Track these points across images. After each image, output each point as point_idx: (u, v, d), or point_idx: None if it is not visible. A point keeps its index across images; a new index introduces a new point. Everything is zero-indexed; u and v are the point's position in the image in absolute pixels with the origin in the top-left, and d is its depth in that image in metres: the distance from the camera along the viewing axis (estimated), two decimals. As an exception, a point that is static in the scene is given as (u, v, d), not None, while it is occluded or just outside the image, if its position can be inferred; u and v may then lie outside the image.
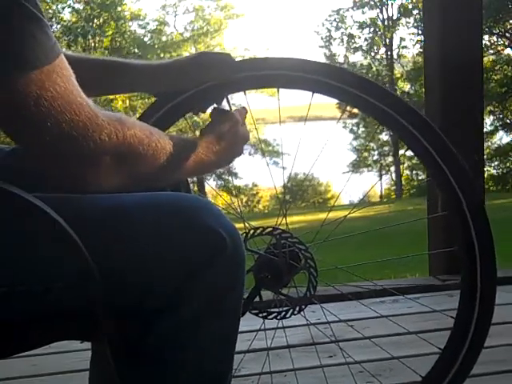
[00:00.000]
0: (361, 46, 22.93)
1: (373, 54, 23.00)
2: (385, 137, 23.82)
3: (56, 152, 0.79)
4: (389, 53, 22.70)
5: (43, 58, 0.76)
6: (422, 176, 21.08)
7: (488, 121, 19.79)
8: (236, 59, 1.27)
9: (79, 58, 1.14)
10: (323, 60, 23.70)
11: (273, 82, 1.33)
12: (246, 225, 1.30)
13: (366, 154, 23.80)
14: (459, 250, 1.39)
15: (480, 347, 1.43)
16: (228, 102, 1.34)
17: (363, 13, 22.86)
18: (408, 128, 1.33)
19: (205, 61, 1.23)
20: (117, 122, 0.82)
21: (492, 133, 20.43)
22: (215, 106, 1.25)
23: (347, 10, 22.87)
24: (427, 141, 1.35)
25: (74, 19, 19.97)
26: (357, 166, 23.61)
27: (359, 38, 22.87)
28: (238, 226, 0.89)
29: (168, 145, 0.90)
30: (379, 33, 22.79)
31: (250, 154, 20.65)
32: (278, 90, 1.33)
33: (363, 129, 24.04)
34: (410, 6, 21.93)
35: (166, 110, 1.30)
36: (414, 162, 22.61)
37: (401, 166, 22.70)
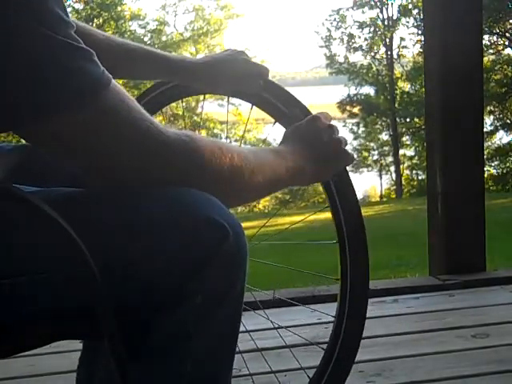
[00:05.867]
0: (361, 45, 22.91)
1: (373, 53, 22.97)
2: (385, 137, 23.82)
3: (128, 178, 0.81)
4: (389, 53, 22.68)
5: (94, 88, 0.75)
6: (422, 176, 21.08)
7: (488, 121, 19.77)
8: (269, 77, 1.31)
9: (107, 41, 1.18)
10: (323, 60, 23.71)
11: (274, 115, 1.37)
12: None
13: (366, 153, 23.79)
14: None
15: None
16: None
17: (363, 13, 22.84)
18: None
19: (239, 72, 1.27)
20: (186, 137, 0.83)
21: (492, 133, 20.41)
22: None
23: (347, 10, 22.86)
24: None
25: (73, 19, 19.94)
26: (357, 166, 23.59)
27: (359, 37, 22.85)
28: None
29: (248, 158, 0.90)
30: (379, 33, 22.77)
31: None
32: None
33: (363, 129, 24.02)
34: (410, 6, 21.91)
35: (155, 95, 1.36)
36: (414, 161, 22.62)
37: (401, 166, 22.70)
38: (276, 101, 1.34)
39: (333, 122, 1.12)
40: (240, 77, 1.28)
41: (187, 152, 0.83)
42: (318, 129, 1.07)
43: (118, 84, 0.79)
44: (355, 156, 23.71)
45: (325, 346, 1.40)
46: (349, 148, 1.33)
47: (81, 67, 0.75)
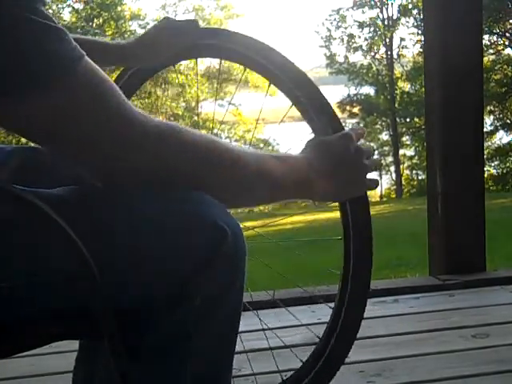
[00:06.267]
0: (361, 45, 22.92)
1: (373, 53, 22.98)
2: (385, 137, 23.83)
3: (108, 166, 0.80)
4: (389, 53, 22.68)
5: (68, 66, 0.74)
6: (422, 176, 21.07)
7: (488, 121, 19.77)
8: (200, 26, 1.32)
9: None
10: (323, 60, 23.72)
11: (228, 56, 1.39)
12: None
13: (365, 153, 23.74)
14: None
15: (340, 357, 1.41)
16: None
17: (363, 13, 22.85)
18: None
19: (168, 33, 1.29)
20: (168, 127, 0.82)
21: (492, 133, 20.41)
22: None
23: (347, 10, 22.87)
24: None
25: (73, 19, 19.97)
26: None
27: (359, 37, 22.87)
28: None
29: (244, 157, 0.87)
30: (379, 33, 22.77)
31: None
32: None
33: (363, 129, 24.01)
34: (410, 6, 21.92)
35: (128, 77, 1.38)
36: (414, 161, 22.62)
37: (401, 166, 22.70)
38: (215, 41, 1.35)
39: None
40: (173, 40, 1.30)
41: (169, 140, 0.81)
42: (346, 148, 1.01)
43: (92, 62, 0.77)
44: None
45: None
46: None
47: (53, 47, 0.74)
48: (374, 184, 1.08)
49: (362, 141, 1.07)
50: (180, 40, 1.31)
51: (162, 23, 1.32)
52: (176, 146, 0.82)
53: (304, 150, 1.02)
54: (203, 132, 0.88)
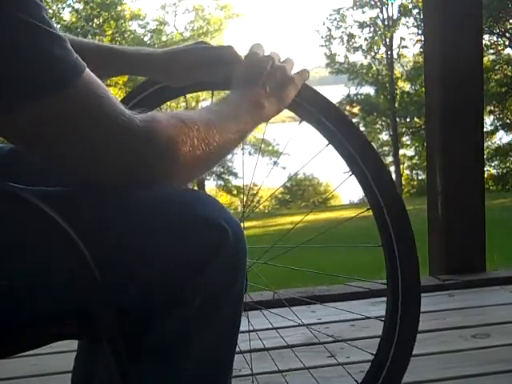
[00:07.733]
0: (361, 45, 22.93)
1: (373, 53, 22.98)
2: (385, 137, 23.82)
3: (107, 175, 0.80)
4: (389, 52, 22.68)
5: (69, 75, 0.75)
6: (421, 176, 21.07)
7: (488, 121, 19.77)
8: (237, 57, 1.19)
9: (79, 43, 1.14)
10: (323, 60, 23.71)
11: None
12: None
13: (365, 153, 23.72)
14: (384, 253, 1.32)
15: (405, 355, 1.40)
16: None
17: (363, 12, 22.87)
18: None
19: (196, 60, 1.19)
20: (152, 121, 0.81)
21: (492, 133, 20.41)
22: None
23: (347, 10, 22.88)
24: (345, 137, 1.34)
25: (73, 19, 19.99)
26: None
27: (359, 37, 22.87)
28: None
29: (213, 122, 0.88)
30: (379, 32, 22.78)
31: (249, 154, 20.67)
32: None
33: (363, 129, 23.99)
34: (410, 6, 21.93)
35: (147, 95, 1.30)
36: (414, 161, 22.61)
37: (401, 166, 22.69)
38: None
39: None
40: (197, 66, 1.18)
41: (152, 138, 0.80)
42: (256, 63, 1.06)
43: (91, 72, 0.78)
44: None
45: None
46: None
47: (55, 54, 0.74)
48: (304, 74, 1.11)
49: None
50: (221, 70, 1.18)
51: (195, 45, 1.21)
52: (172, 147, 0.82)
53: (232, 87, 1.04)
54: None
